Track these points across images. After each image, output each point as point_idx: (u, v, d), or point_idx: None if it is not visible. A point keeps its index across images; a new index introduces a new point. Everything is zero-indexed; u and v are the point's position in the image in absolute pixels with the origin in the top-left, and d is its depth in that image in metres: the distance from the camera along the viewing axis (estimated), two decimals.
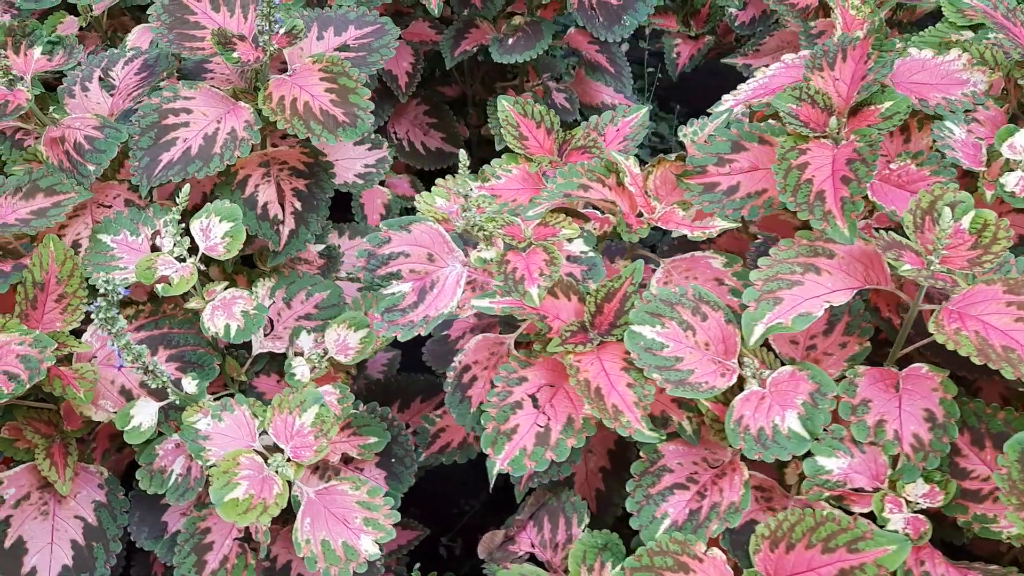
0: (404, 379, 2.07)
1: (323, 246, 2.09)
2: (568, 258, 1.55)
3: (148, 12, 2.19)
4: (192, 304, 1.72)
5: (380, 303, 1.54)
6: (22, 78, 1.81)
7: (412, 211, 2.82)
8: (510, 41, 2.36)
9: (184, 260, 1.70)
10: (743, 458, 1.50)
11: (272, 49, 1.77)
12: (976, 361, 1.32)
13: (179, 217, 1.66)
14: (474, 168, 2.93)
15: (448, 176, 1.68)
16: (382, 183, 2.43)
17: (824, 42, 1.62)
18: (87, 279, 1.74)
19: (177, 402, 1.65)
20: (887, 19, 2.50)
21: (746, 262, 1.66)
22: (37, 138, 1.99)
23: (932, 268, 1.36)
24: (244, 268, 2.00)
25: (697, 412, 1.52)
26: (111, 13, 2.48)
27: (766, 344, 1.51)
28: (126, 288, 1.44)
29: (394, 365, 2.19)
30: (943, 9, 2.27)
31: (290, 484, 1.51)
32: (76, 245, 1.81)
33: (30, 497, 1.75)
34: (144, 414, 1.64)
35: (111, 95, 1.94)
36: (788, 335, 1.53)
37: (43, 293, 1.72)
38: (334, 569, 1.47)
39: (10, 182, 1.79)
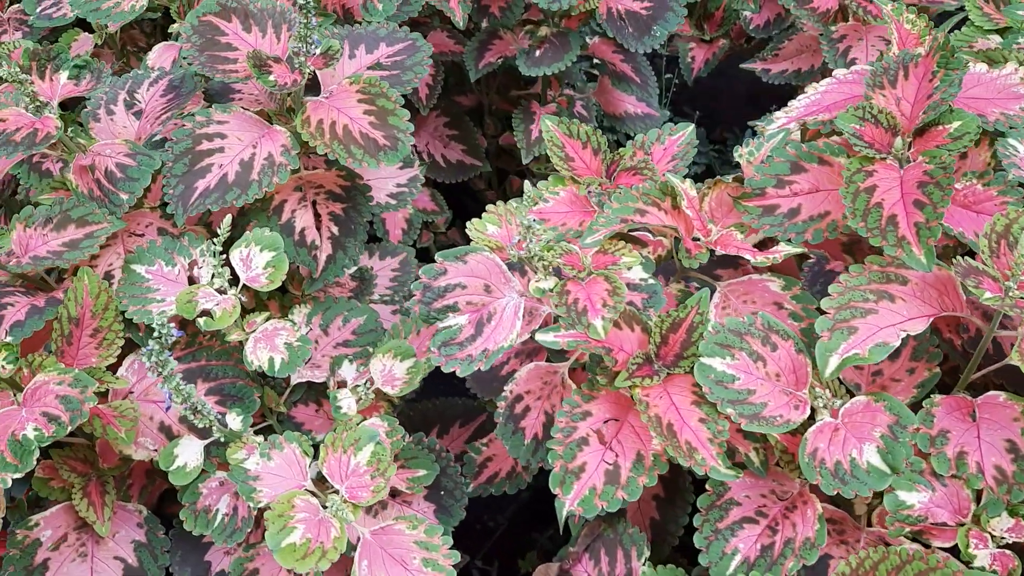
0: (442, 403, 2.02)
1: (355, 268, 2.03)
2: (628, 286, 1.50)
3: (170, 30, 2.15)
4: (233, 336, 1.66)
5: (436, 336, 1.49)
6: (48, 104, 1.74)
7: (428, 225, 2.80)
8: (537, 53, 2.31)
9: (225, 292, 1.64)
10: (812, 489, 1.47)
11: (309, 71, 1.72)
12: None
13: (221, 249, 1.61)
14: (498, 180, 2.93)
15: (499, 203, 1.63)
16: None
17: (884, 58, 1.57)
18: (123, 312, 1.68)
19: (221, 439, 1.60)
20: None
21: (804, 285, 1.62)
22: (62, 164, 1.93)
23: (1011, 295, 1.33)
24: (276, 293, 1.95)
25: (764, 442, 1.48)
26: (122, 28, 2.42)
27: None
28: (180, 330, 1.39)
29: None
30: (969, 13, 2.24)
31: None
32: (108, 276, 1.75)
33: (67, 538, 1.69)
34: (189, 453, 1.59)
35: (137, 118, 1.88)
36: None
37: (78, 328, 1.67)
38: None
39: (39, 212, 1.73)
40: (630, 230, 1.63)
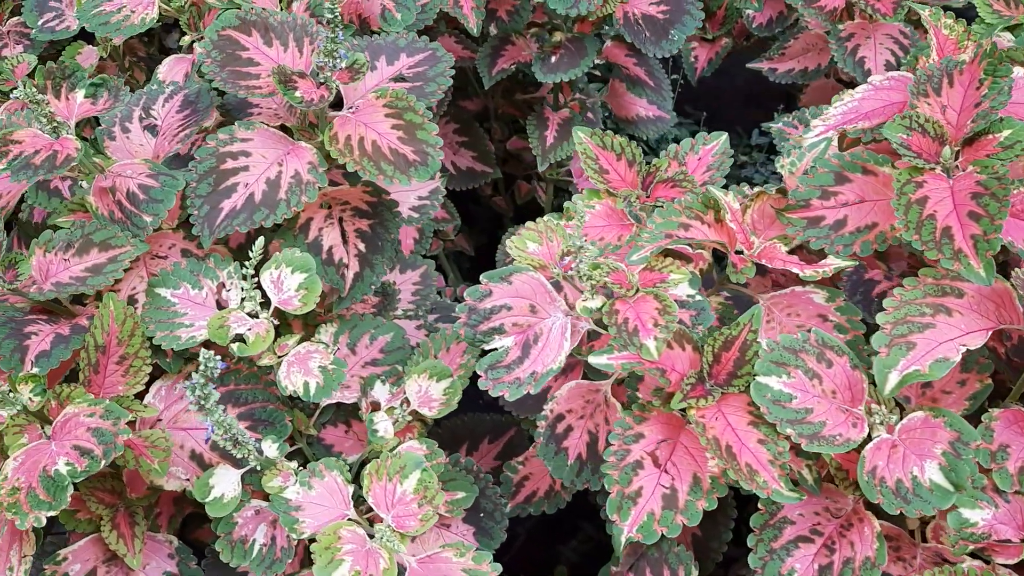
0: (471, 419, 1.98)
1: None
2: (675, 303, 1.47)
3: (180, 43, 2.10)
4: (265, 361, 1.62)
5: (483, 360, 1.46)
6: (66, 124, 1.69)
7: (437, 232, 2.76)
8: (553, 59, 2.27)
9: (257, 316, 1.60)
10: (867, 505, 1.45)
11: (335, 86, 1.67)
12: None
13: (253, 271, 1.56)
14: (505, 185, 2.89)
15: (539, 219, 1.59)
16: None
17: (927, 65, 1.55)
18: (149, 338, 1.63)
19: (257, 467, 1.55)
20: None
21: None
22: (70, 182, 1.88)
23: None
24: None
25: (817, 459, 1.46)
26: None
27: (873, 381, 1.45)
28: (223, 361, 1.35)
29: None
30: (978, 10, 2.22)
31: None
32: (131, 300, 1.70)
33: (97, 572, 1.65)
34: (225, 483, 1.54)
35: (154, 136, 1.83)
36: None
37: (104, 356, 1.62)
38: None
39: (59, 236, 1.68)
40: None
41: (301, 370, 1.60)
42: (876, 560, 1.37)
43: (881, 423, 1.39)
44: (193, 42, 2.07)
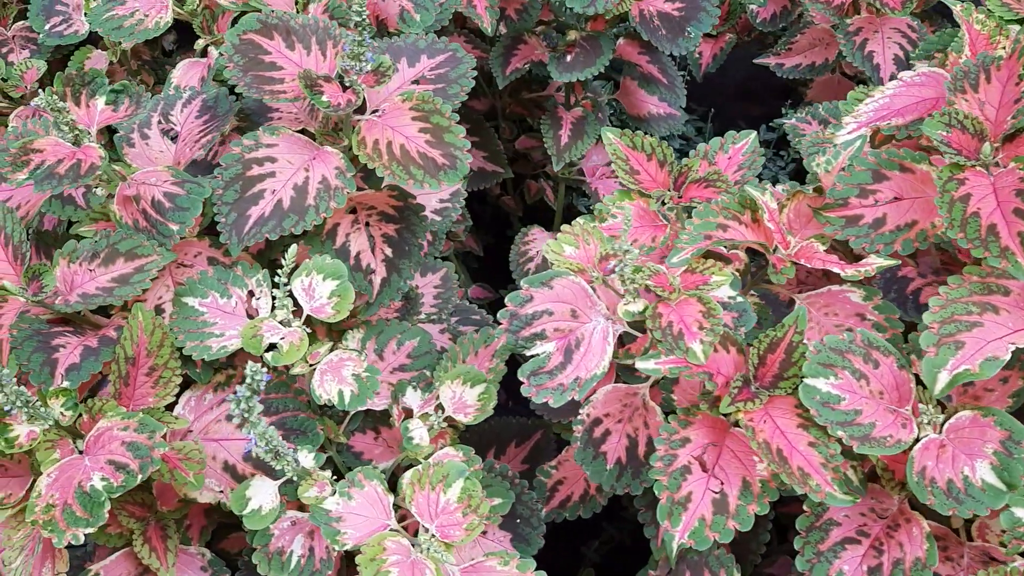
0: (497, 423, 1.96)
1: None
2: None
3: (195, 46, 2.07)
4: (297, 370, 1.60)
5: (525, 366, 1.44)
6: (88, 132, 1.66)
7: (452, 237, 2.73)
8: (568, 58, 2.25)
9: (289, 324, 1.58)
10: (913, 505, 1.44)
11: (361, 90, 1.65)
12: None
13: (286, 280, 1.54)
14: (514, 185, 2.87)
15: (574, 222, 1.57)
16: None
17: (962, 61, 1.54)
18: (179, 349, 1.61)
19: (294, 477, 1.53)
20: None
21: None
22: (84, 189, 1.85)
23: None
24: None
25: (862, 459, 1.45)
26: None
27: (920, 383, 1.44)
28: (268, 373, 1.32)
29: None
30: (987, 3, 2.22)
31: None
32: (158, 310, 1.67)
33: None
34: (263, 495, 1.52)
35: (174, 142, 1.80)
36: None
37: (134, 368, 1.59)
38: None
39: (83, 246, 1.65)
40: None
41: (335, 378, 1.58)
42: (927, 561, 1.36)
43: (928, 423, 1.38)
44: (207, 45, 2.05)
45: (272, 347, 1.55)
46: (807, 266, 1.53)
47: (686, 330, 1.38)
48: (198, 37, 2.09)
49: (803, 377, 1.37)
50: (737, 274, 1.53)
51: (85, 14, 2.13)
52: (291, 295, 1.59)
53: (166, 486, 1.63)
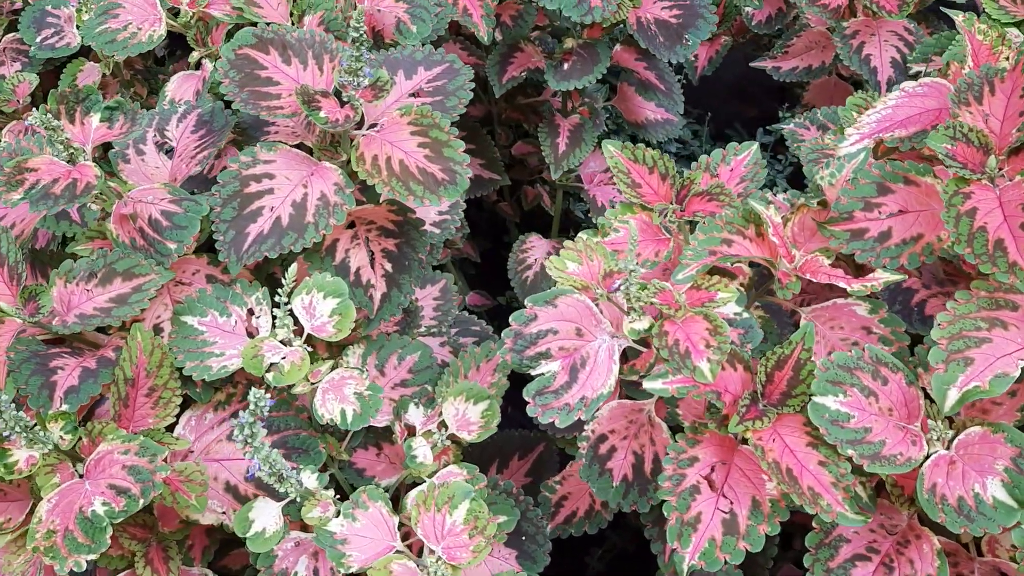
0: (500, 436, 1.93)
1: None
2: None
3: (189, 59, 2.05)
4: (299, 389, 1.58)
5: (530, 385, 1.43)
6: (83, 150, 1.64)
7: (449, 244, 2.72)
8: (565, 66, 2.24)
9: (290, 344, 1.56)
10: (923, 521, 1.43)
11: (359, 105, 1.63)
12: None
13: (287, 299, 1.52)
14: (511, 191, 2.85)
15: (577, 237, 1.56)
16: None
17: (965, 73, 1.53)
18: (178, 369, 1.59)
19: (297, 498, 1.52)
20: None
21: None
22: (82, 206, 1.82)
23: None
24: None
25: (871, 476, 1.44)
26: None
27: (929, 397, 1.43)
28: (271, 398, 1.31)
29: None
30: (984, 6, 2.21)
31: None
32: (157, 329, 1.65)
33: None
34: (266, 517, 1.50)
35: (170, 158, 1.78)
36: None
37: (133, 389, 1.57)
38: None
39: (80, 266, 1.63)
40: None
41: (336, 397, 1.56)
42: None
43: (937, 439, 1.38)
44: (202, 58, 2.02)
45: (273, 366, 1.53)
46: (823, 282, 1.51)
47: (693, 348, 1.36)
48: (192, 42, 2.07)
49: (812, 395, 1.36)
50: (742, 289, 1.51)
51: (77, 26, 2.11)
52: (291, 313, 1.57)
53: (168, 507, 1.61)
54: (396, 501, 1.61)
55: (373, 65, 1.77)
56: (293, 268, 1.52)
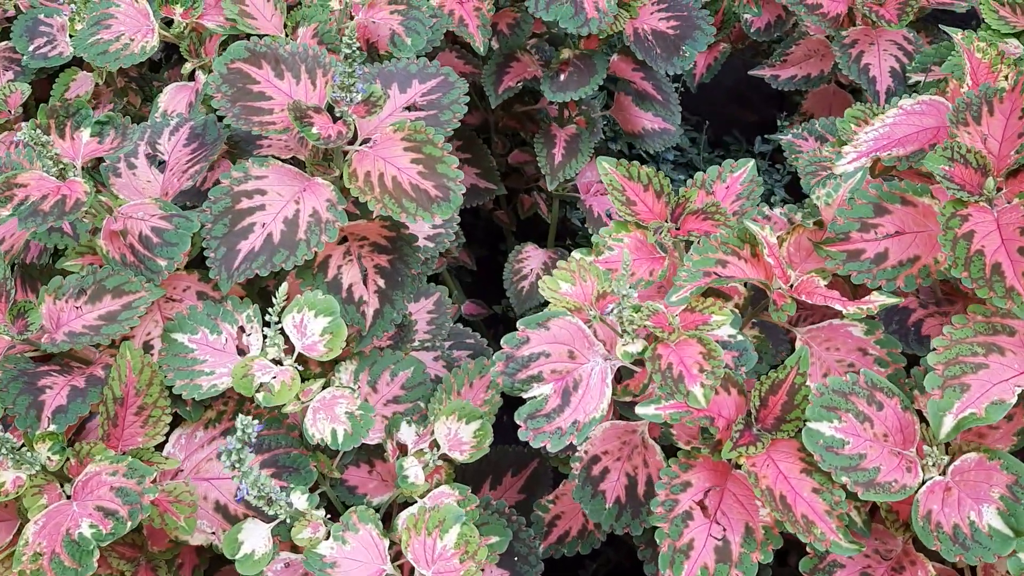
0: (493, 452, 1.91)
1: None
2: None
3: (182, 70, 2.03)
4: (289, 408, 1.57)
5: (522, 409, 1.42)
6: (72, 165, 1.62)
7: (445, 253, 2.70)
8: (562, 77, 2.22)
9: (281, 363, 1.55)
10: (918, 547, 1.42)
11: (352, 121, 1.62)
12: None
13: (277, 319, 1.51)
14: (507, 199, 2.84)
15: (571, 257, 1.54)
16: None
17: (964, 92, 1.52)
18: (168, 387, 1.58)
19: (287, 519, 1.50)
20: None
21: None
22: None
23: None
24: None
25: (865, 501, 1.43)
26: None
27: (924, 420, 1.42)
28: (261, 424, 1.29)
29: None
30: (984, 16, 2.20)
31: None
32: (147, 347, 1.64)
33: None
34: (255, 538, 1.49)
35: (162, 172, 1.76)
36: None
37: (122, 408, 1.56)
38: None
39: (69, 282, 1.61)
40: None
41: (328, 417, 1.55)
42: None
43: (933, 464, 1.36)
44: (195, 69, 2.01)
45: (263, 385, 1.52)
46: (819, 304, 1.50)
47: (686, 373, 1.35)
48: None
49: (806, 420, 1.35)
50: (736, 310, 1.50)
51: (70, 36, 2.09)
52: (282, 331, 1.55)
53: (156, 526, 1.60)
54: (389, 519, 1.60)
55: (367, 79, 1.75)
56: (284, 288, 1.51)
